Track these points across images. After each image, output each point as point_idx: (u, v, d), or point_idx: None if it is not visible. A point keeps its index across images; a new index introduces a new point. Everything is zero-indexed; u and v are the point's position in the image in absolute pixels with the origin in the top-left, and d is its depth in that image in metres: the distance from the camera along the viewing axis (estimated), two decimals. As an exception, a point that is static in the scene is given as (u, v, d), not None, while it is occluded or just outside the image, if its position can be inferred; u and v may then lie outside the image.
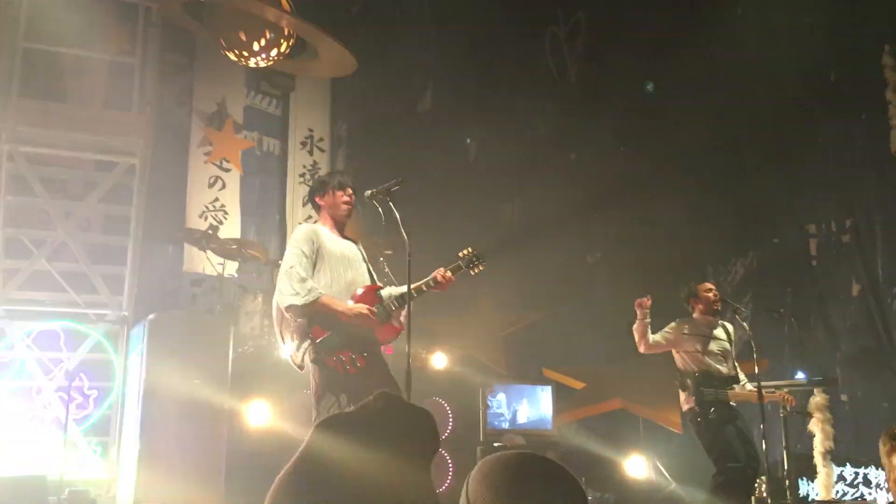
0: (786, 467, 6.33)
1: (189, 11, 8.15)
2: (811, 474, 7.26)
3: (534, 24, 10.06)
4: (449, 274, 4.44)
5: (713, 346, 6.03)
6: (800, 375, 7.29)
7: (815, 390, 7.34)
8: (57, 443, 6.18)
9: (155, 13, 7.52)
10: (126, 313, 7.04)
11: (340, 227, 4.61)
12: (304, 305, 4.18)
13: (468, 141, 10.29)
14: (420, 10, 9.67)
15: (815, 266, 8.37)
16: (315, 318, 4.24)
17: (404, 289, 4.29)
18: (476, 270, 4.61)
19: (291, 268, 4.26)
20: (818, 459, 7.25)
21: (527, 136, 10.03)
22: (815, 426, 7.36)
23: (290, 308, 4.22)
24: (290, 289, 4.21)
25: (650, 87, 9.52)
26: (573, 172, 9.70)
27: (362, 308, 4.27)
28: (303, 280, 4.21)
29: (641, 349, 6.01)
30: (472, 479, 1.59)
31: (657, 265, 8.65)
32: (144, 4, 7.49)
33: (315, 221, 4.72)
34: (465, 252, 4.61)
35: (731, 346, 6.14)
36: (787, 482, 6.34)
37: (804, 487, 7.26)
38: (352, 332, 4.25)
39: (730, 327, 6.24)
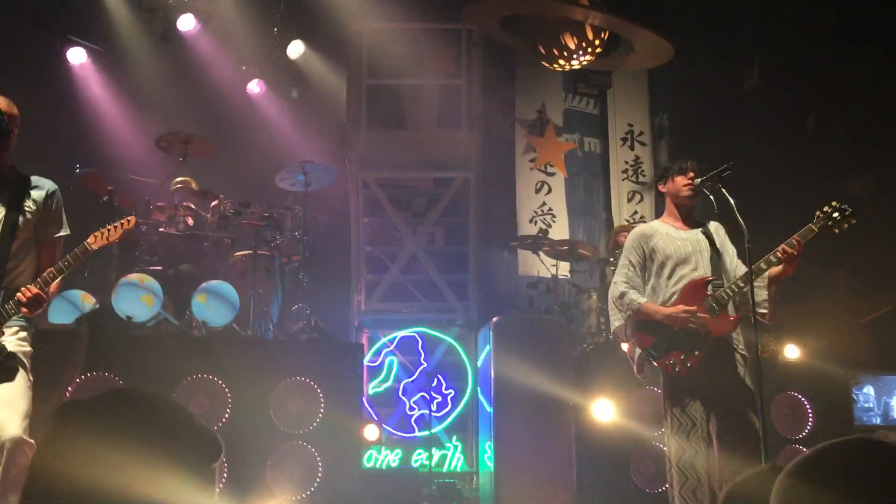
0: None
1: (505, 27, 8.53)
2: None
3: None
4: (794, 241, 3.98)
5: None
6: None
7: None
8: (423, 439, 6.80)
9: (475, 34, 7.97)
10: (472, 317, 7.51)
11: (686, 214, 4.45)
12: (627, 318, 4.31)
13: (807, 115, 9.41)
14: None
15: None
16: (640, 326, 4.28)
17: (746, 272, 4.06)
18: (844, 227, 3.99)
19: (614, 284, 4.40)
20: None
21: (877, 99, 8.92)
22: None
23: (617, 329, 4.42)
24: (613, 311, 4.40)
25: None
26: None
27: (678, 310, 4.15)
28: (622, 294, 4.32)
29: None
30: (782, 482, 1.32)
31: None
32: (466, 28, 7.97)
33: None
34: (824, 209, 4.03)
35: None
36: None
37: None
38: (678, 332, 4.16)
39: None
